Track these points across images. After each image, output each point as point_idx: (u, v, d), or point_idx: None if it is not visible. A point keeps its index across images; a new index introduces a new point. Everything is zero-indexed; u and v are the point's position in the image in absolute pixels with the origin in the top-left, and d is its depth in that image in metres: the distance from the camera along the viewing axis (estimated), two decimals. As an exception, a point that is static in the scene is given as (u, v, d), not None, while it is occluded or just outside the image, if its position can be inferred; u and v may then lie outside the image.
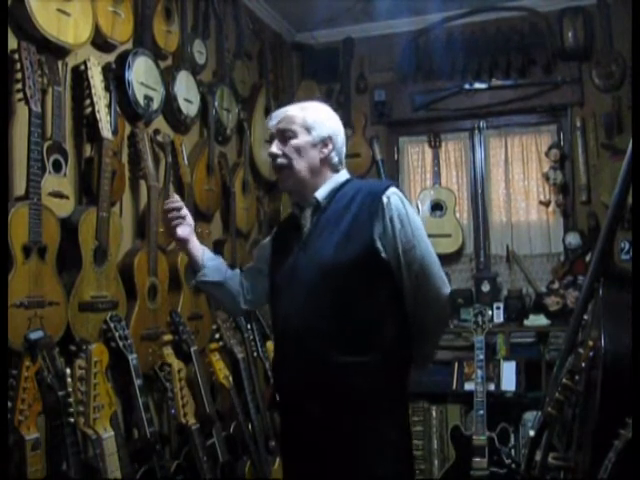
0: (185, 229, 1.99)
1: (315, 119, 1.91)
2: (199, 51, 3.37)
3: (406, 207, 1.84)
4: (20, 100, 2.19)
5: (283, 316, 1.88)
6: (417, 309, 1.85)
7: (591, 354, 1.90)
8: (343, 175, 1.96)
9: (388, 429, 1.81)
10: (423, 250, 1.82)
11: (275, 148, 1.91)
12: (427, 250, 1.84)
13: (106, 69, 2.61)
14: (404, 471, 1.87)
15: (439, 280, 1.85)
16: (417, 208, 4.43)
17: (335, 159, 1.94)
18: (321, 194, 1.90)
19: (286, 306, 1.87)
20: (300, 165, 1.89)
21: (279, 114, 1.95)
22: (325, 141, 1.91)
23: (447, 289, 1.86)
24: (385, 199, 1.81)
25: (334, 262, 1.78)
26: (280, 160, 1.90)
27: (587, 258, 4.00)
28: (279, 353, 1.94)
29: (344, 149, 1.98)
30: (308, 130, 1.89)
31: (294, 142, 1.89)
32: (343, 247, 1.78)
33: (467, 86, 4.35)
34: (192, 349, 2.84)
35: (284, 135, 1.90)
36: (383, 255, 1.80)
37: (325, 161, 1.92)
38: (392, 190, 1.84)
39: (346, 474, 1.79)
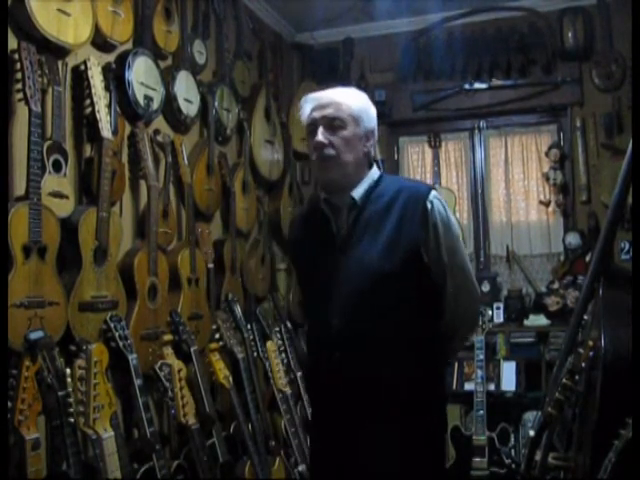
0: None
1: (361, 109, 1.82)
2: (199, 51, 3.37)
3: (447, 212, 1.83)
4: (20, 100, 2.19)
5: (324, 321, 1.81)
6: (456, 311, 1.86)
7: (591, 354, 1.90)
8: (376, 171, 1.89)
9: (430, 434, 1.84)
10: (463, 255, 1.86)
11: (322, 137, 1.77)
12: (465, 255, 1.87)
13: (106, 69, 2.61)
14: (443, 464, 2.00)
15: (475, 283, 1.90)
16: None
17: (372, 153, 1.87)
18: (358, 193, 1.82)
19: (327, 311, 1.81)
20: (348, 158, 1.79)
21: (322, 98, 1.83)
22: (368, 134, 1.83)
23: (479, 291, 1.96)
24: (429, 205, 1.78)
25: (380, 268, 1.75)
26: (328, 151, 1.78)
27: (587, 258, 4.00)
28: (318, 357, 1.89)
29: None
30: (356, 121, 1.80)
31: (344, 133, 1.78)
32: (388, 253, 1.75)
33: (467, 86, 4.35)
34: (192, 349, 2.84)
35: (332, 124, 1.78)
36: (425, 261, 1.79)
37: (366, 155, 1.85)
38: (434, 194, 1.81)
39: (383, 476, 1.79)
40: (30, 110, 2.16)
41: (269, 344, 3.48)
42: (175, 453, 2.82)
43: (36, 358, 2.02)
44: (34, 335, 2.04)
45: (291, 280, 4.20)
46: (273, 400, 3.40)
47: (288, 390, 3.44)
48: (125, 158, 2.80)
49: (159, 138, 2.97)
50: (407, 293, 1.78)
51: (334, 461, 1.84)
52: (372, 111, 1.87)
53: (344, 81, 4.55)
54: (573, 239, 4.12)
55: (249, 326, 3.41)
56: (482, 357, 3.74)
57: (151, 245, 2.73)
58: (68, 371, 2.09)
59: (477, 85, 4.33)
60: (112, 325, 2.43)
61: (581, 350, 1.98)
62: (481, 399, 3.66)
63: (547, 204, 4.34)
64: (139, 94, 2.78)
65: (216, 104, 3.42)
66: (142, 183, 2.85)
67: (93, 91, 2.45)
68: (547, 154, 4.31)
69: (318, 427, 1.97)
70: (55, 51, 2.39)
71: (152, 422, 2.48)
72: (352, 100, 1.83)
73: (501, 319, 4.17)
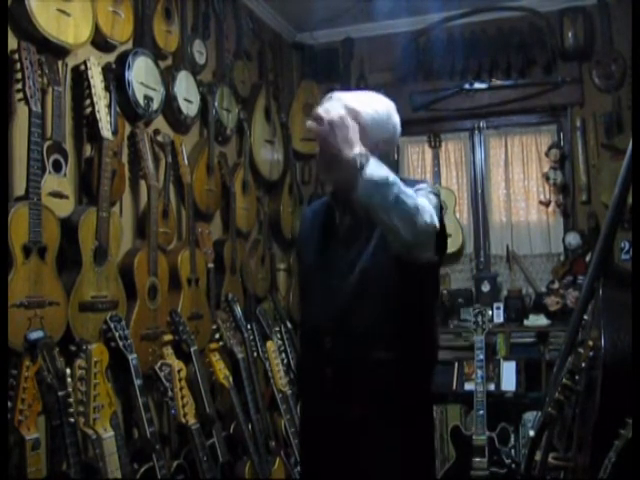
0: None
1: (375, 118, 1.81)
2: (199, 51, 3.37)
3: (430, 199, 1.76)
4: (20, 100, 2.19)
5: (316, 312, 1.87)
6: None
7: (591, 354, 1.90)
8: None
9: (416, 428, 1.84)
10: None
11: None
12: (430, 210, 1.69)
13: (106, 69, 2.60)
14: (429, 466, 1.93)
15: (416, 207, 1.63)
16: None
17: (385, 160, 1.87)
18: None
19: (320, 302, 1.85)
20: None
21: (331, 98, 1.84)
22: (379, 144, 1.82)
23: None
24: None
25: (371, 264, 1.78)
26: None
27: (587, 258, 4.00)
28: (309, 348, 1.93)
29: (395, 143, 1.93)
30: (364, 130, 1.76)
31: None
32: (380, 250, 1.77)
33: (467, 86, 4.35)
34: (192, 349, 2.84)
35: None
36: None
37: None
38: (424, 185, 1.79)
39: (372, 470, 1.79)
40: (30, 110, 2.16)
41: (269, 344, 3.48)
42: (175, 453, 2.83)
43: (36, 358, 2.02)
44: (34, 335, 2.04)
45: (291, 280, 4.21)
46: (273, 400, 3.40)
47: (288, 390, 3.44)
48: (125, 158, 2.80)
49: (159, 138, 2.97)
50: (398, 287, 1.79)
51: (321, 452, 1.86)
52: (387, 121, 1.84)
53: (344, 81, 4.56)
54: (573, 239, 4.12)
55: (249, 326, 3.41)
56: (482, 357, 3.73)
57: (151, 245, 2.73)
58: (68, 371, 2.09)
59: (477, 85, 4.33)
60: (112, 325, 2.43)
61: (581, 350, 1.98)
62: (481, 399, 3.66)
63: (547, 204, 4.34)
64: (139, 94, 2.78)
65: (216, 104, 3.42)
66: (142, 183, 2.85)
67: (93, 91, 2.44)
68: (547, 154, 4.32)
69: (305, 418, 2.01)
70: (55, 51, 2.39)
71: (152, 422, 2.48)
72: (366, 109, 1.80)
73: (501, 319, 4.16)
